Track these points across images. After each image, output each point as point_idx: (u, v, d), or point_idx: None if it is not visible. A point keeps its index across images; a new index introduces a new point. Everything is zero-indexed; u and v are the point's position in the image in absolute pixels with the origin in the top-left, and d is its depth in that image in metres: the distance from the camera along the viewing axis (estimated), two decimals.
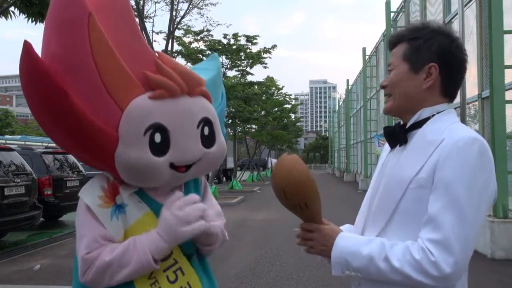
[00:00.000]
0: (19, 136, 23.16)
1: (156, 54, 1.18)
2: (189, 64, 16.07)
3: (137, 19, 11.14)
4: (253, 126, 26.80)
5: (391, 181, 1.23)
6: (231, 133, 24.81)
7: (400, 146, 1.28)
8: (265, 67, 18.68)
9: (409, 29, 1.28)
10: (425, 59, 1.22)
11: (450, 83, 1.25)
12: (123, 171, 1.18)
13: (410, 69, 1.24)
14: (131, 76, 1.12)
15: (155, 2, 11.65)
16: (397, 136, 1.28)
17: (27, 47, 1.07)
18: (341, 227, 1.40)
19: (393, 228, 1.20)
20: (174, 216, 1.19)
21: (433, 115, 1.23)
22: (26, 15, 6.64)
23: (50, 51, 1.12)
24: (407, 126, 1.26)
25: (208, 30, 15.02)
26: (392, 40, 1.31)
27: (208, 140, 1.28)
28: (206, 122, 1.26)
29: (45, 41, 1.16)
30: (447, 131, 1.17)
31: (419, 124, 1.24)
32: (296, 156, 1.27)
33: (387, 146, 1.37)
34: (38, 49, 1.11)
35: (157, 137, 1.17)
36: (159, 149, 1.18)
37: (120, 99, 1.12)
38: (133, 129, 1.13)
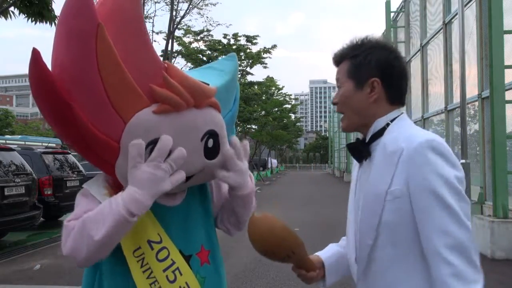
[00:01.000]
0: (19, 136, 23.17)
1: (166, 65, 1.13)
2: (189, 64, 16.09)
3: None
4: (253, 126, 26.81)
5: (368, 197, 1.26)
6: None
7: (365, 160, 1.32)
8: (265, 67, 18.73)
9: (349, 47, 1.34)
10: (367, 75, 1.28)
11: (395, 92, 1.31)
12: (122, 181, 1.18)
13: (355, 86, 1.29)
14: (136, 89, 1.09)
15: (155, 2, 11.64)
16: (361, 151, 1.33)
17: (35, 56, 1.06)
18: (324, 253, 1.52)
19: (381, 244, 1.23)
20: (150, 167, 1.12)
21: (387, 124, 1.28)
22: (26, 15, 6.64)
23: (59, 60, 1.11)
24: (367, 140, 1.31)
25: (208, 30, 15.07)
26: (335, 58, 1.37)
27: (211, 152, 1.25)
28: (211, 134, 1.22)
29: (55, 49, 1.13)
30: (404, 139, 1.21)
31: (377, 134, 1.28)
32: (268, 214, 1.33)
33: (355, 163, 1.42)
34: (42, 50, 1.10)
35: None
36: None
37: (124, 112, 1.10)
38: (137, 150, 1.10)
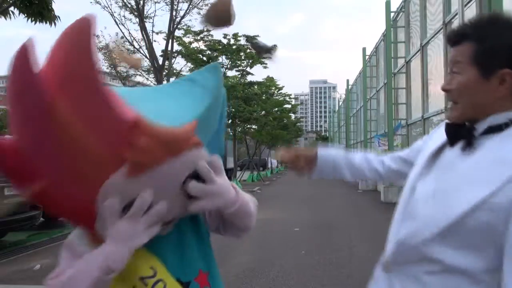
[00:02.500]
0: None
1: (133, 122, 0.97)
2: (189, 64, 16.09)
3: (137, 19, 11.06)
4: (253, 126, 26.81)
5: (452, 191, 1.10)
6: (231, 133, 24.82)
7: (464, 149, 1.14)
8: (265, 67, 18.72)
9: (475, 25, 1.14)
10: (497, 64, 1.08)
11: None
12: (103, 237, 1.08)
13: (479, 75, 1.10)
14: (104, 156, 0.98)
15: (155, 2, 11.62)
16: (460, 136, 1.16)
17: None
18: (324, 151, 1.46)
19: (443, 243, 1.08)
20: (127, 222, 1.04)
21: (506, 123, 1.09)
22: (26, 15, 6.65)
23: (18, 134, 1.00)
24: (479, 132, 1.13)
25: (208, 30, 15.02)
26: (455, 36, 1.16)
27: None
28: (193, 176, 1.09)
29: (12, 122, 1.00)
30: None
31: (489, 130, 1.11)
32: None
33: (437, 135, 1.27)
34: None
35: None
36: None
37: (95, 181, 0.99)
38: (109, 211, 1.02)
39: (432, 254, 1.09)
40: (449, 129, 1.19)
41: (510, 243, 1.00)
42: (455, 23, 9.58)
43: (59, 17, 6.89)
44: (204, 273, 1.20)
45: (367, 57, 22.40)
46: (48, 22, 6.76)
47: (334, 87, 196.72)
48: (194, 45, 15.74)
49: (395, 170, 1.52)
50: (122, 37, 12.76)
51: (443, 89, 1.18)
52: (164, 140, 0.98)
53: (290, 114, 35.56)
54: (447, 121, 1.22)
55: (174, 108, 1.04)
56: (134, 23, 11.87)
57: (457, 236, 1.06)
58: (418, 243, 1.11)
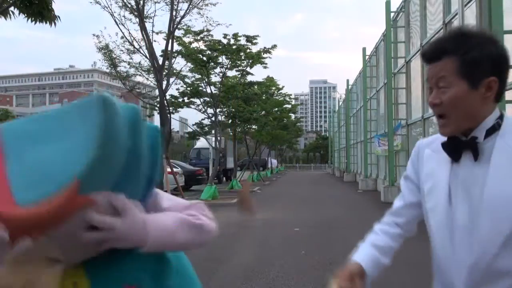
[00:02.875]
0: None
1: None
2: (189, 64, 16.08)
3: (137, 19, 11.01)
4: (253, 126, 26.81)
5: (495, 201, 1.13)
6: (231, 133, 24.82)
7: (475, 160, 1.19)
8: (265, 67, 18.67)
9: (453, 41, 1.19)
10: (483, 74, 1.16)
11: (503, 88, 1.21)
12: None
13: (468, 86, 1.16)
14: None
15: (155, 2, 11.61)
16: (460, 149, 1.21)
17: None
18: (365, 261, 1.41)
19: (508, 252, 1.12)
20: None
21: (497, 123, 1.19)
22: (26, 15, 6.64)
23: None
24: (480, 139, 1.19)
25: (208, 30, 15.00)
26: (435, 53, 1.21)
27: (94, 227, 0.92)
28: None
29: None
30: None
31: (486, 135, 1.19)
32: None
33: (439, 157, 1.28)
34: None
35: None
36: None
37: None
38: None
39: (506, 267, 1.12)
40: (449, 147, 1.23)
41: None
42: (455, 23, 9.58)
43: (59, 17, 6.88)
44: (131, 286, 1.02)
45: (367, 57, 22.40)
46: (48, 22, 6.76)
47: (334, 87, 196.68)
48: (194, 45, 15.73)
49: (411, 219, 1.46)
50: (122, 37, 12.76)
51: (432, 104, 1.21)
52: (32, 222, 0.80)
53: (290, 114, 35.56)
54: (441, 141, 1.25)
55: (56, 161, 0.84)
56: (134, 23, 11.85)
57: None
58: (489, 260, 1.13)
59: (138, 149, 0.94)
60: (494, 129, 1.18)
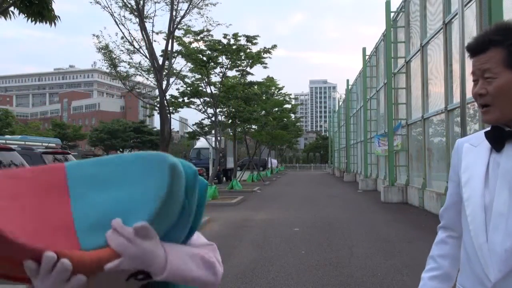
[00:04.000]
0: (19, 136, 23.13)
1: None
2: (189, 64, 16.08)
3: (137, 19, 11.00)
4: (253, 126, 26.81)
5: None
6: (231, 133, 24.82)
7: None
8: (265, 67, 18.66)
9: (498, 32, 1.24)
10: None
11: None
12: None
13: None
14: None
15: (155, 2, 11.60)
16: (503, 139, 1.25)
17: None
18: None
19: None
20: None
21: None
22: (26, 15, 6.65)
23: None
24: None
25: (208, 30, 14.99)
26: (480, 45, 1.25)
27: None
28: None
29: None
30: None
31: None
32: None
33: (478, 150, 1.33)
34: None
35: None
36: None
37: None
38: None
39: None
40: (493, 135, 1.27)
41: None
42: (455, 23, 9.58)
43: (59, 17, 6.89)
44: None
45: (367, 57, 22.40)
46: (48, 22, 6.76)
47: (334, 87, 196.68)
48: (194, 45, 15.73)
49: (456, 220, 1.45)
50: (122, 37, 12.76)
51: (478, 94, 1.25)
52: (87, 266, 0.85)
53: (290, 114, 35.55)
54: (485, 130, 1.29)
55: (118, 209, 0.91)
56: (134, 23, 11.83)
57: None
58: None
59: (191, 206, 1.02)
60: None
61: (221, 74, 17.46)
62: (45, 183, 0.92)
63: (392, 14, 16.07)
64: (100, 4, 10.88)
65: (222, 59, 16.70)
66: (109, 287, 0.93)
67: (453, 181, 1.43)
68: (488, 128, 1.30)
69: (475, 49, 1.25)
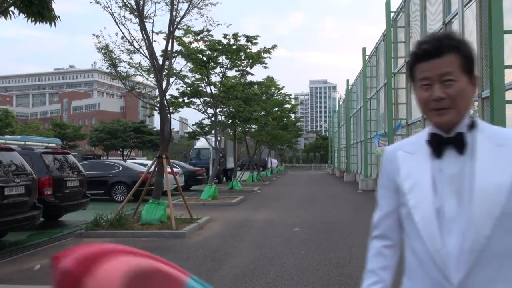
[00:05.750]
0: (19, 136, 23.14)
1: None
2: (189, 64, 16.07)
3: (137, 19, 10.98)
4: (253, 126, 26.79)
5: (485, 189, 1.23)
6: (231, 133, 24.80)
7: (461, 153, 1.29)
8: (265, 67, 18.65)
9: (456, 40, 1.29)
10: (473, 70, 1.30)
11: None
12: None
13: (468, 81, 1.29)
14: None
15: (155, 2, 11.57)
16: (442, 145, 1.30)
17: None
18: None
19: (498, 233, 1.22)
20: None
21: (473, 119, 1.31)
22: (26, 15, 6.64)
23: None
24: (464, 132, 1.29)
25: (208, 30, 14.97)
26: (435, 49, 1.28)
27: None
28: None
29: None
30: (510, 133, 1.29)
31: (467, 128, 1.30)
32: None
33: (416, 157, 1.35)
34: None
35: None
36: None
37: None
38: None
39: (498, 248, 1.22)
40: (434, 143, 1.31)
41: None
42: (455, 23, 9.58)
43: (59, 17, 6.88)
44: None
45: (367, 57, 22.39)
46: (48, 22, 6.76)
47: (334, 87, 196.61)
48: (194, 45, 15.71)
49: (393, 228, 1.48)
50: (122, 37, 12.76)
51: (438, 98, 1.27)
52: None
53: (290, 114, 35.54)
54: (413, 136, 1.38)
55: None
56: (134, 23, 11.78)
57: (507, 220, 1.22)
58: (484, 242, 1.21)
59: None
60: (471, 126, 1.30)
61: (221, 74, 17.44)
62: None
63: (392, 14, 16.07)
64: (100, 4, 10.87)
65: (222, 59, 16.69)
66: None
67: (388, 188, 1.44)
68: (423, 135, 1.35)
69: (430, 52, 1.28)
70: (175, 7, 11.06)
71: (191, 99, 18.85)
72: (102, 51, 12.87)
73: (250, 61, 17.55)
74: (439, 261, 1.25)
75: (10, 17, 6.68)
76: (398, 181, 1.37)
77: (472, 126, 1.30)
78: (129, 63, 14.06)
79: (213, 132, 19.98)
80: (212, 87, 17.58)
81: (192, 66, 16.27)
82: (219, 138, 17.94)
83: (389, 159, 1.42)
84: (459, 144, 1.28)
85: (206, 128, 23.30)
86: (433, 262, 1.26)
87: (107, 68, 13.76)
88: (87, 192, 10.72)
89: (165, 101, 10.76)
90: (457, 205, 1.26)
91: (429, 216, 1.29)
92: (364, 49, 22.62)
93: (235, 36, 16.20)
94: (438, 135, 1.31)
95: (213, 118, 18.10)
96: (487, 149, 1.26)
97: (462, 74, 1.27)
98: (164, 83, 10.71)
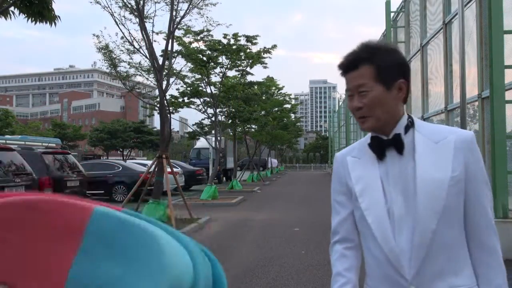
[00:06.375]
0: (19, 136, 23.16)
1: None
2: (189, 64, 16.08)
3: (137, 19, 10.98)
4: (253, 126, 26.79)
5: (426, 185, 1.30)
6: (231, 133, 24.80)
7: (401, 153, 1.36)
8: (265, 67, 18.66)
9: (366, 51, 1.36)
10: (394, 77, 1.35)
11: (409, 90, 1.41)
12: None
13: (384, 89, 1.34)
14: None
15: (155, 2, 11.59)
16: (384, 147, 1.37)
17: None
18: None
19: (442, 227, 1.30)
20: None
21: (410, 121, 1.38)
22: (26, 15, 6.64)
23: None
24: (402, 134, 1.37)
25: (208, 30, 14.98)
26: (352, 63, 1.37)
27: None
28: None
29: None
30: (448, 132, 1.35)
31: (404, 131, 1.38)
32: None
33: (363, 161, 1.41)
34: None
35: None
36: None
37: None
38: None
39: (444, 241, 1.30)
40: (375, 146, 1.39)
41: (471, 195, 1.33)
42: (455, 23, 9.58)
43: (59, 17, 6.88)
44: None
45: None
46: (48, 22, 6.76)
47: (334, 87, 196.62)
48: (194, 45, 15.72)
49: (351, 231, 1.53)
50: (122, 37, 12.76)
51: (356, 108, 1.37)
52: None
53: (290, 114, 35.54)
54: (358, 142, 1.45)
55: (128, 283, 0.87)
56: (134, 23, 11.80)
57: (448, 214, 1.30)
58: (431, 235, 1.29)
59: None
60: (408, 126, 1.37)
61: (221, 74, 17.45)
62: (63, 221, 0.86)
63: (392, 14, 16.07)
64: (100, 4, 10.87)
65: (222, 59, 16.69)
66: None
67: (342, 193, 1.52)
68: (366, 139, 1.43)
69: (347, 66, 1.38)
70: (175, 7, 11.06)
71: (191, 99, 18.85)
72: (102, 51, 12.89)
73: (250, 61, 17.55)
74: (393, 259, 1.31)
75: (10, 17, 6.68)
76: (350, 185, 1.44)
77: (409, 126, 1.37)
78: (129, 63, 14.09)
79: (213, 132, 19.98)
80: (212, 87, 17.58)
81: (192, 66, 16.27)
82: (219, 138, 17.94)
83: (341, 164, 1.50)
84: (397, 145, 1.35)
85: (206, 128, 23.30)
86: (388, 261, 1.32)
87: (107, 68, 13.78)
88: (87, 192, 10.72)
89: (165, 101, 10.76)
90: (404, 204, 1.32)
91: (381, 217, 1.35)
92: None
93: (235, 36, 16.20)
94: (377, 138, 1.38)
95: (213, 118, 18.10)
96: (425, 147, 1.33)
97: (375, 83, 1.34)
98: (164, 83, 10.71)
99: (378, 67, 1.34)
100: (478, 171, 1.34)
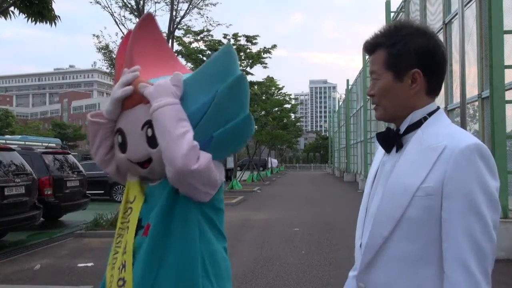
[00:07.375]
0: (19, 136, 23.16)
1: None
2: (189, 64, 16.08)
3: (137, 19, 10.98)
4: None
5: (393, 188, 1.20)
6: None
7: (397, 151, 1.26)
8: (265, 67, 18.67)
9: (384, 34, 1.25)
10: (407, 66, 1.21)
11: (434, 82, 1.25)
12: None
13: (394, 78, 1.23)
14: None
15: (155, 2, 11.61)
16: (392, 141, 1.27)
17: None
18: None
19: (398, 237, 1.18)
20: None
21: (424, 117, 1.23)
22: (26, 15, 6.64)
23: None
24: (401, 132, 1.26)
25: (208, 30, 14.99)
26: (368, 47, 1.28)
27: (152, 141, 1.47)
28: (150, 124, 1.46)
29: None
30: (446, 137, 1.17)
31: (413, 127, 1.24)
32: None
33: (380, 148, 1.35)
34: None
35: (119, 139, 1.57)
36: (121, 148, 1.56)
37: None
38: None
39: (395, 251, 1.19)
40: (381, 138, 1.31)
41: (445, 218, 1.13)
42: (455, 23, 9.58)
43: (59, 17, 6.88)
44: (148, 224, 1.50)
45: (367, 56, 22.37)
46: (48, 22, 6.76)
47: (334, 87, 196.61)
48: (194, 45, 15.73)
49: None
50: (122, 37, 12.73)
51: (368, 94, 1.30)
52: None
53: (290, 114, 35.54)
54: (377, 133, 1.35)
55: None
56: (134, 23, 11.80)
57: (408, 225, 1.16)
58: (380, 241, 1.21)
59: (220, 100, 1.45)
60: (420, 123, 1.23)
61: None
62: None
63: (392, 14, 16.07)
64: (100, 4, 10.87)
65: None
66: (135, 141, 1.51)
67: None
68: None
69: (367, 49, 1.30)
70: (175, 7, 11.07)
71: None
72: (102, 51, 12.89)
73: (250, 61, 17.56)
74: (356, 255, 1.34)
75: (10, 17, 6.68)
76: None
77: (420, 123, 1.23)
78: None
79: None
80: None
81: (192, 66, 16.27)
82: None
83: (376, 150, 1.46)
84: (394, 142, 1.27)
85: None
86: (357, 254, 1.34)
87: (107, 68, 13.78)
88: (87, 192, 10.72)
89: None
90: (377, 204, 1.26)
91: (361, 212, 1.35)
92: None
93: (235, 36, 16.21)
94: (387, 130, 1.30)
95: None
96: (413, 149, 1.20)
97: (385, 71, 1.23)
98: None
99: (389, 53, 1.23)
100: (458, 191, 1.11)
